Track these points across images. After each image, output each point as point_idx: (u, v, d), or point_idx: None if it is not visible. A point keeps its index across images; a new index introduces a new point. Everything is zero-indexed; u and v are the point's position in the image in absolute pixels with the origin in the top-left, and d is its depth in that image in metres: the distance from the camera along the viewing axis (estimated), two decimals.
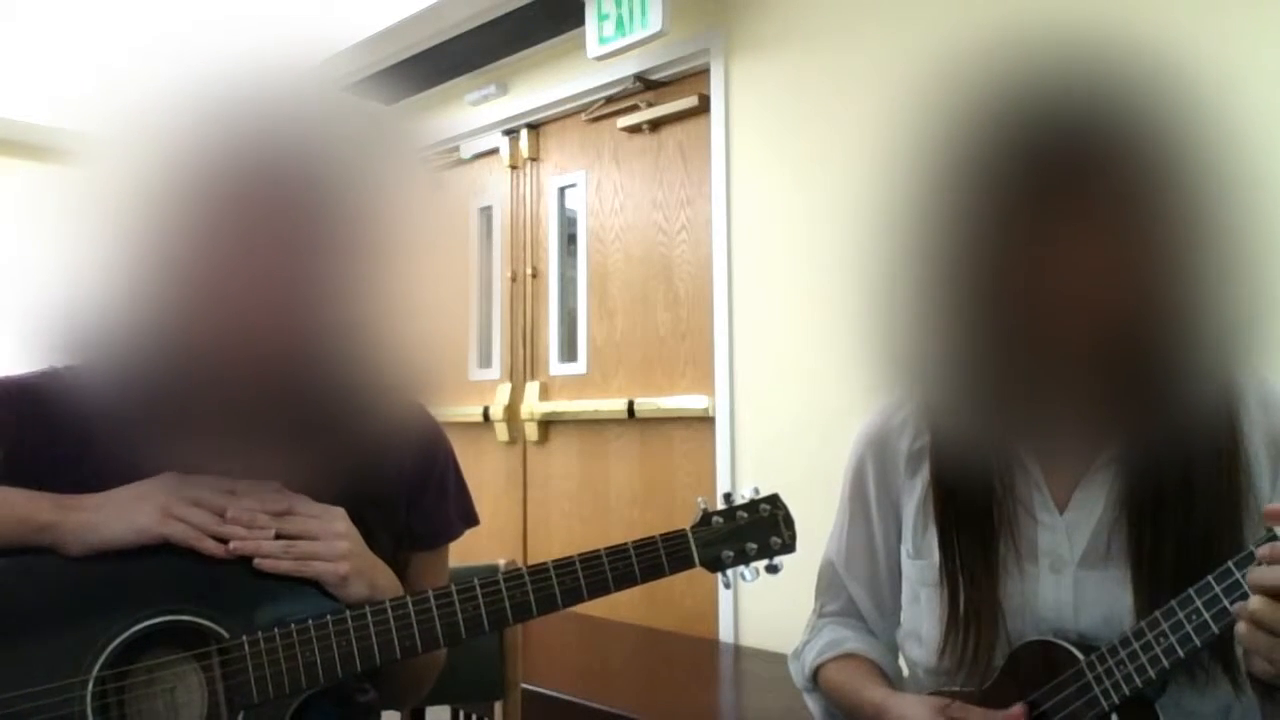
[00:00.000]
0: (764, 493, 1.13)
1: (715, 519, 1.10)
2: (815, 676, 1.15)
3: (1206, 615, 0.85)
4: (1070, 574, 0.99)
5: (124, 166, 0.92)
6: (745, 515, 1.11)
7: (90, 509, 0.94)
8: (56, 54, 3.52)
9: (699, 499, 1.13)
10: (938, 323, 0.93)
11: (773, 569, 1.11)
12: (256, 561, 0.96)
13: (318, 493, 1.03)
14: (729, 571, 1.10)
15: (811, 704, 1.18)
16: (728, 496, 1.12)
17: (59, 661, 0.90)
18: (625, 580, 1.04)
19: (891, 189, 0.95)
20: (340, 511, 1.02)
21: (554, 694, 2.20)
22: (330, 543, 1.00)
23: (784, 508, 1.13)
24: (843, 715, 1.12)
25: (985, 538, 1.01)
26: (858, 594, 1.17)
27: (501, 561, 1.22)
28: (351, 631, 0.97)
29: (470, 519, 1.18)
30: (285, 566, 0.97)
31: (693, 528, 1.09)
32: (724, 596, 2.79)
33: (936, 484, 1.05)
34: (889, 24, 2.49)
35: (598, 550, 1.04)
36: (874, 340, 0.98)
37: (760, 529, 1.11)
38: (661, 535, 1.06)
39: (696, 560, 1.07)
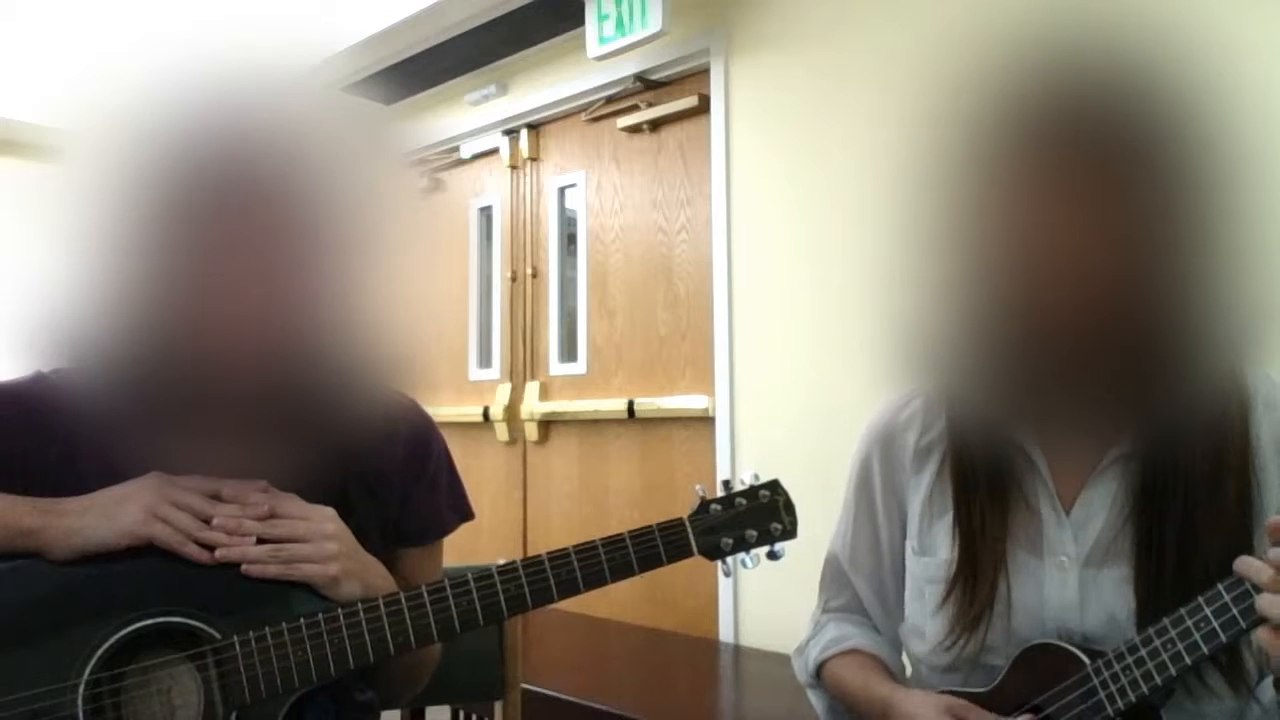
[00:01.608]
0: (764, 479, 1.12)
1: (714, 506, 1.09)
2: (819, 672, 1.15)
3: (1215, 624, 0.85)
4: (1075, 572, 0.99)
5: (113, 165, 0.92)
6: (745, 502, 1.09)
7: (74, 513, 0.94)
8: (53, 53, 3.52)
9: (697, 486, 1.12)
10: (946, 314, 0.93)
11: (774, 555, 1.09)
12: (244, 567, 0.96)
13: (309, 491, 1.02)
14: (728, 560, 1.08)
15: (814, 699, 1.18)
16: (726, 484, 1.11)
17: (50, 666, 0.90)
18: (622, 570, 1.03)
19: (898, 180, 0.95)
20: (330, 512, 1.01)
21: (554, 694, 2.20)
22: (319, 544, 0.99)
23: (784, 493, 1.11)
24: (847, 710, 1.12)
25: (992, 533, 1.01)
26: (862, 589, 1.16)
27: (501, 562, 1.21)
28: (344, 629, 0.96)
29: (464, 513, 1.17)
30: (273, 571, 0.97)
31: (690, 516, 1.07)
32: (724, 597, 2.79)
33: (954, 474, 1.05)
34: (889, 23, 2.49)
35: (593, 541, 1.03)
36: (882, 332, 0.98)
37: (760, 515, 1.09)
38: (659, 524, 1.05)
39: (695, 549, 1.06)
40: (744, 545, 1.08)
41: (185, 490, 0.97)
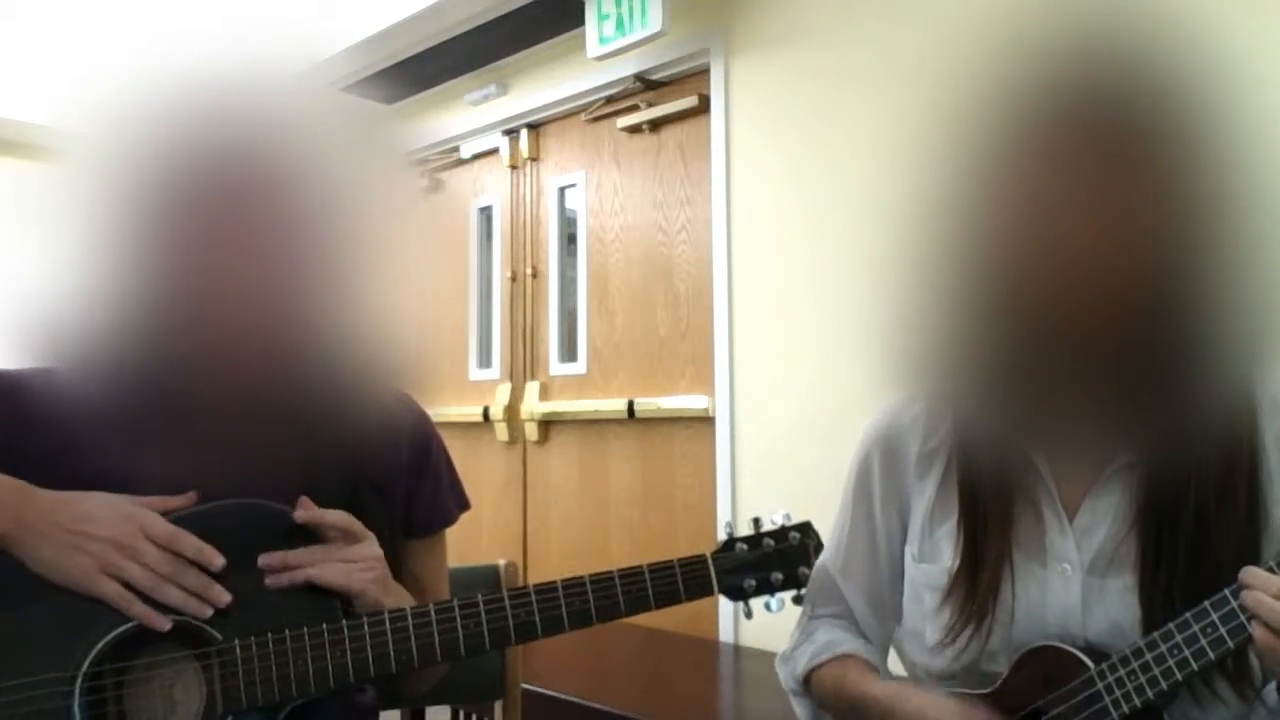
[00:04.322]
0: (795, 519, 1.09)
1: (739, 545, 1.06)
2: (808, 679, 1.13)
3: (1222, 630, 0.84)
4: (1079, 579, 0.98)
5: (112, 166, 0.91)
6: (773, 543, 1.06)
7: (35, 535, 0.89)
8: (53, 53, 3.51)
9: (725, 522, 1.08)
10: (950, 315, 0.92)
11: (800, 600, 1.06)
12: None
13: (320, 494, 1.02)
14: (751, 601, 1.05)
15: (798, 707, 1.16)
16: (756, 521, 1.08)
17: (50, 658, 0.89)
18: (638, 605, 1.01)
19: (900, 179, 0.94)
20: (370, 537, 1.02)
21: (554, 694, 2.20)
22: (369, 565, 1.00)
23: (815, 536, 1.08)
24: (838, 715, 1.11)
25: (995, 540, 1.00)
26: (854, 598, 1.14)
27: (501, 562, 1.22)
28: (347, 642, 0.96)
29: (464, 503, 1.17)
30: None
31: (714, 553, 1.05)
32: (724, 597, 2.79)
33: (960, 481, 1.03)
34: (889, 23, 2.49)
35: (610, 571, 1.01)
36: (884, 333, 0.97)
37: (788, 558, 1.06)
38: (680, 560, 1.03)
39: (715, 587, 1.04)
40: (768, 588, 1.06)
41: (147, 542, 0.91)
